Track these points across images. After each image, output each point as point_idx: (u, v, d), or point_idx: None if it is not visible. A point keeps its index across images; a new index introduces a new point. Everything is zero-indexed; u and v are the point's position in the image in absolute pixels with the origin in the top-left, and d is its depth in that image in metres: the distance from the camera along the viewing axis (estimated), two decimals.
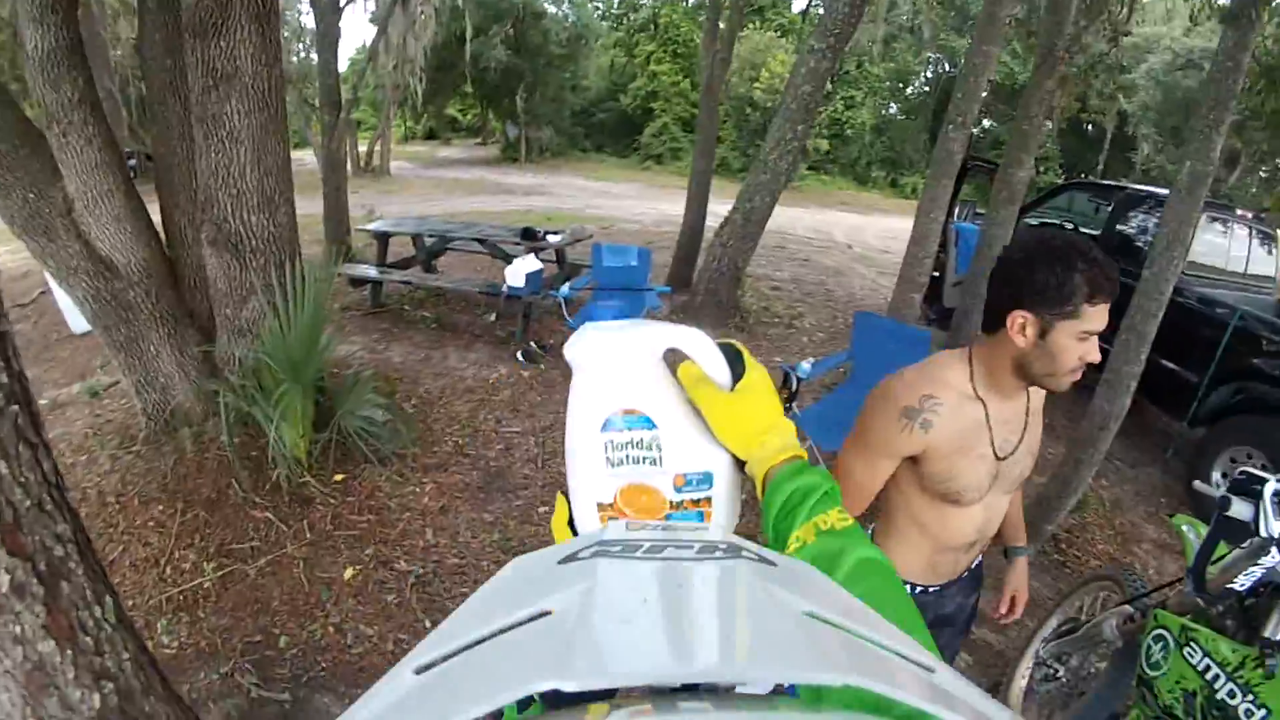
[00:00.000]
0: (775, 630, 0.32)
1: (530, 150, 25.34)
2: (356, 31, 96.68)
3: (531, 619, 0.33)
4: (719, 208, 6.64)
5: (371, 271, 6.10)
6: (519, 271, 5.11)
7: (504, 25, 22.64)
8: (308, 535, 3.08)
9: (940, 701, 0.27)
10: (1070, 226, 6.20)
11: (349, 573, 2.91)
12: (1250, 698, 1.27)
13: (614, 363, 0.74)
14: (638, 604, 0.34)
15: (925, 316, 6.34)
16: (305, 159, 17.42)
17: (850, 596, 0.42)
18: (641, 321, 0.76)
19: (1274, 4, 3.53)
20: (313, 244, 5.71)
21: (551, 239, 6.10)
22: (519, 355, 5.14)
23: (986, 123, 23.57)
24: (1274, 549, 1.20)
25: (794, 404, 3.42)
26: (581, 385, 0.76)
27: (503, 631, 0.32)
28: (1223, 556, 1.36)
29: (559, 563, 0.41)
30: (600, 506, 0.77)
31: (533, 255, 5.42)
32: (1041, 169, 22.07)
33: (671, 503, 0.75)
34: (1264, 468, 4.09)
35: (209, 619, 2.66)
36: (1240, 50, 3.06)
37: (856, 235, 13.87)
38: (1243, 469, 1.23)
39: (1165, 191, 5.00)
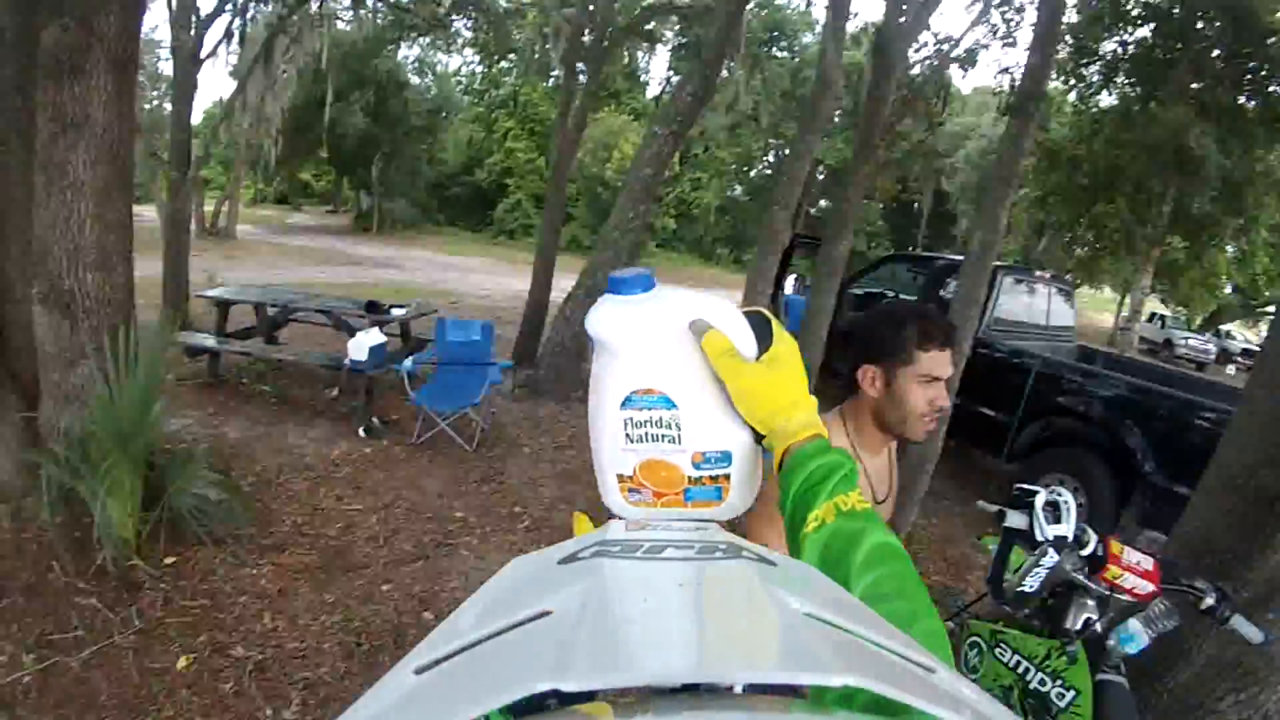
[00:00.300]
0: (775, 630, 0.32)
1: (383, 221, 25.02)
2: (214, 85, 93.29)
3: (532, 619, 0.32)
4: (567, 283, 6.78)
5: (210, 341, 5.73)
6: (362, 345, 4.96)
7: (366, 92, 22.60)
8: (137, 623, 2.81)
9: (940, 701, 0.27)
10: (891, 294, 6.83)
11: (182, 662, 2.67)
12: (1059, 682, 1.45)
13: (635, 338, 0.71)
14: (638, 604, 0.34)
15: None
16: (145, 215, 16.15)
17: (850, 596, 0.42)
18: (667, 289, 0.74)
19: (1050, 98, 4.12)
20: (148, 308, 5.31)
21: (396, 312, 6.01)
22: (361, 431, 4.96)
23: (823, 202, 25.58)
24: (1050, 550, 1.35)
25: None
26: (602, 362, 0.75)
27: (503, 631, 0.32)
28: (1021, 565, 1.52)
29: (559, 563, 0.41)
30: (620, 478, 0.78)
31: (376, 329, 5.31)
32: (873, 244, 24.35)
33: (690, 478, 0.75)
34: (1076, 491, 4.68)
35: (29, 718, 2.38)
36: (1023, 137, 3.55)
37: None
38: (1018, 484, 1.40)
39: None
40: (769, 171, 28.76)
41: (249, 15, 9.30)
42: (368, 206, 25.09)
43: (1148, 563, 1.41)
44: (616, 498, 0.80)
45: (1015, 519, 1.36)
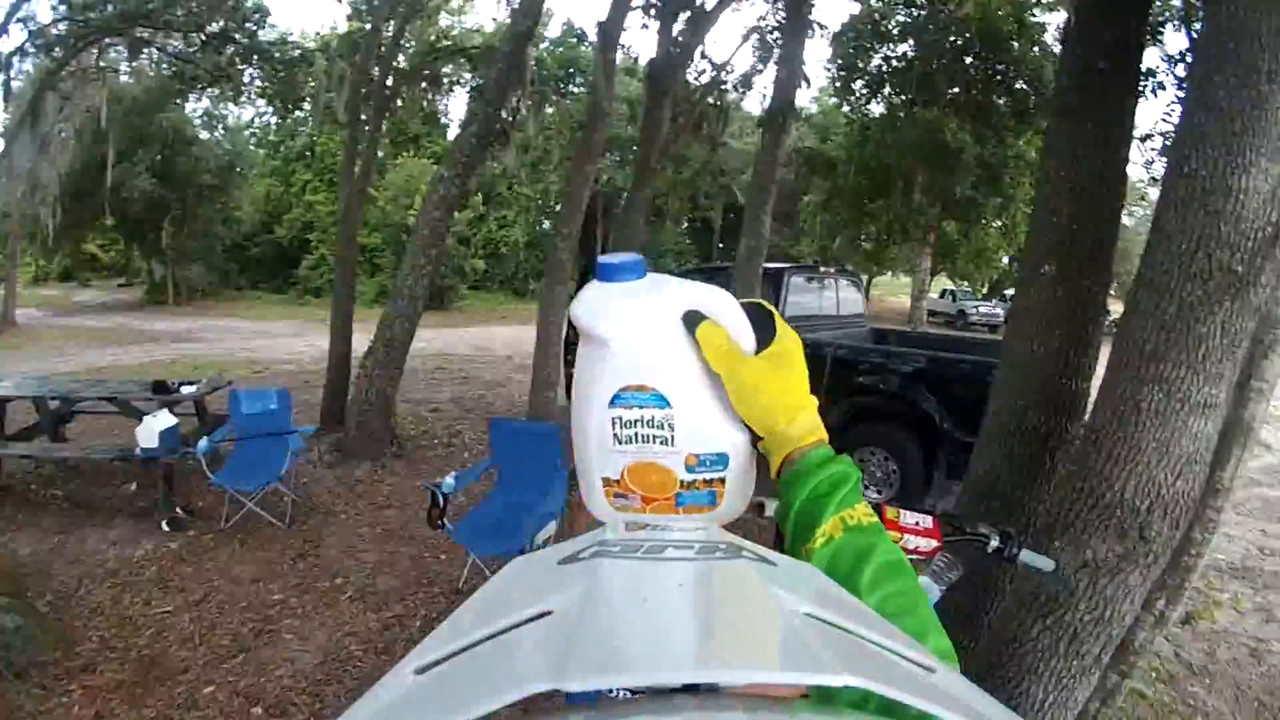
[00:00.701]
0: (775, 630, 0.32)
1: (179, 290, 23.15)
2: None
3: (532, 619, 0.32)
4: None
5: None
6: (151, 430, 4.55)
7: (150, 150, 20.72)
8: None
9: (940, 702, 0.27)
10: None
11: None
12: None
13: (625, 329, 0.65)
14: (638, 604, 0.34)
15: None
16: None
17: (850, 596, 0.41)
18: (662, 277, 0.67)
19: (799, 111, 4.52)
20: None
21: (186, 390, 5.54)
22: (164, 524, 4.53)
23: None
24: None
25: (445, 519, 3.49)
26: (589, 354, 0.67)
27: (503, 631, 0.32)
28: None
29: (559, 563, 0.40)
30: (606, 482, 0.71)
31: (166, 411, 4.87)
32: (681, 262, 25.36)
33: (683, 482, 0.69)
34: (887, 460, 5.21)
35: None
36: (776, 147, 3.86)
37: (516, 346, 14.08)
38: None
39: (775, 266, 6.16)
40: (585, 207, 29.36)
41: (11, 70, 8.36)
42: (160, 276, 22.95)
43: (926, 521, 1.44)
44: (601, 503, 0.73)
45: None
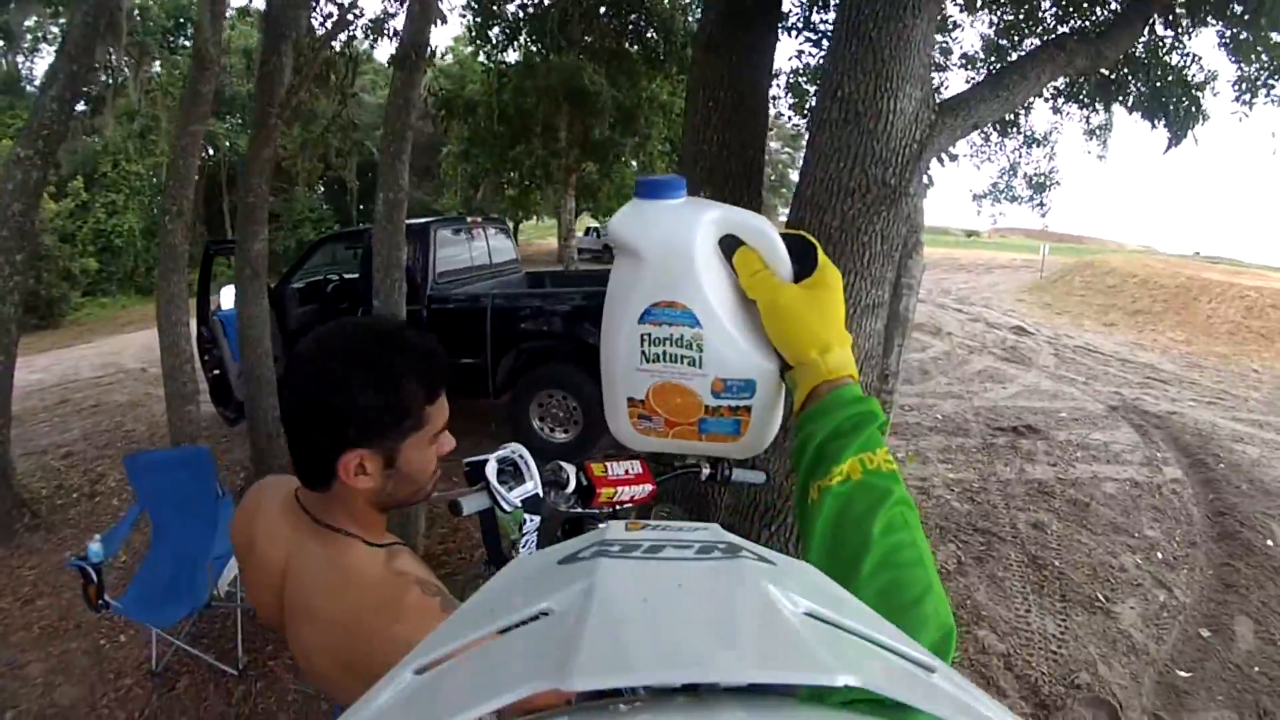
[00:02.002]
0: (775, 630, 0.31)
1: None
2: None
3: (531, 619, 0.32)
4: None
5: None
6: None
7: None
8: None
9: (940, 701, 0.27)
10: (336, 278, 6.73)
11: None
12: None
13: (661, 245, 0.65)
14: (637, 604, 0.33)
15: (225, 418, 6.03)
16: None
17: (850, 596, 0.40)
18: (700, 201, 0.67)
19: (432, 51, 4.13)
20: None
21: None
22: None
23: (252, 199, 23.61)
24: (526, 516, 1.23)
25: (105, 597, 2.85)
26: (623, 269, 0.69)
27: (503, 631, 0.32)
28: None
29: (559, 562, 0.40)
30: (631, 402, 0.72)
31: None
32: (321, 230, 23.14)
33: (707, 407, 0.70)
34: (566, 399, 5.29)
35: None
36: (409, 89, 3.51)
37: (148, 354, 11.89)
38: (466, 460, 1.18)
39: (420, 222, 5.80)
40: (195, 177, 25.14)
41: None
42: None
43: (636, 466, 1.37)
44: (625, 424, 0.74)
45: (473, 503, 1.16)
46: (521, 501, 1.17)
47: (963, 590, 3.67)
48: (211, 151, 23.16)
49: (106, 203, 21.98)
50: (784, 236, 0.69)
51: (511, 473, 1.19)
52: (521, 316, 5.52)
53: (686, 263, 0.66)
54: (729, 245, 0.69)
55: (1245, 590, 3.68)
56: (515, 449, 1.21)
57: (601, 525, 0.48)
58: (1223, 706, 2.92)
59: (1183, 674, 3.12)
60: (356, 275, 6.07)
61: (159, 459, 3.63)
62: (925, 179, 2.07)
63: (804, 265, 0.69)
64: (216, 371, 5.86)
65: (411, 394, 0.99)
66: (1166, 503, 4.65)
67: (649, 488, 1.37)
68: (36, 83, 19.76)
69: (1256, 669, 3.13)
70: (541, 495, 1.21)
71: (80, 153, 19.80)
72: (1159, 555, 4.04)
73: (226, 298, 5.91)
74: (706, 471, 1.49)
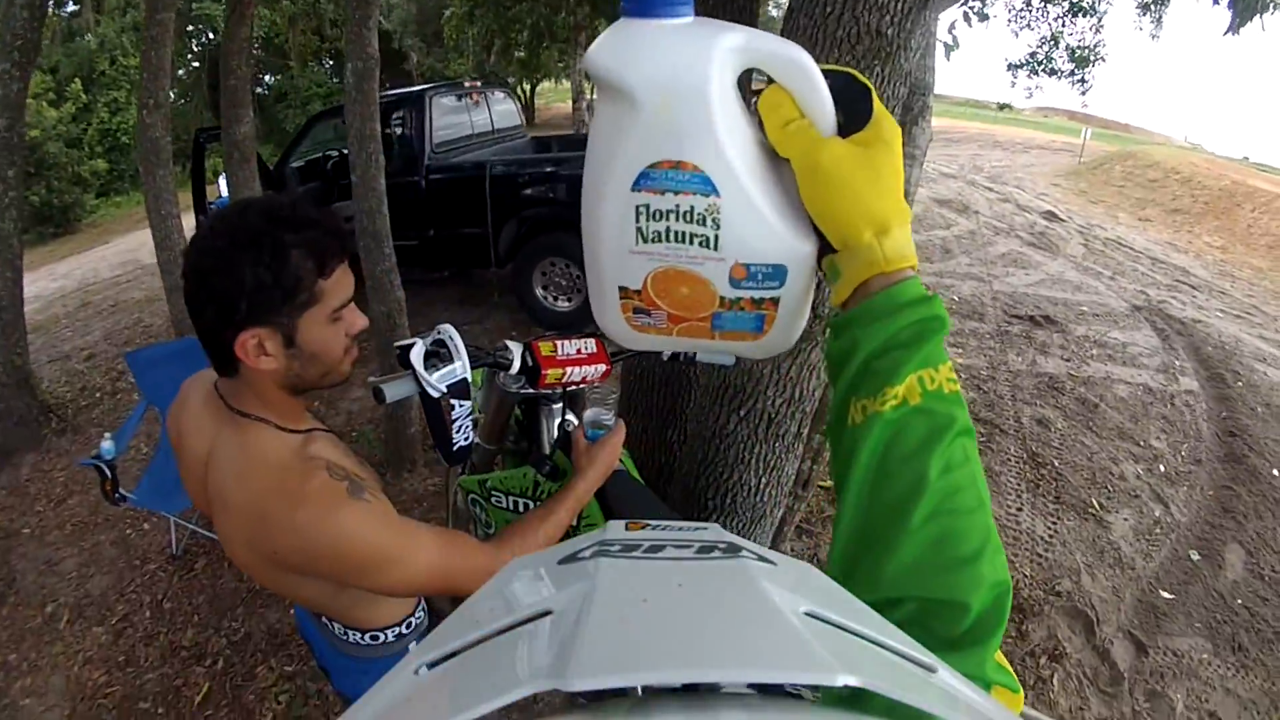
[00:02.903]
0: (775, 630, 0.31)
1: None
2: None
3: (532, 619, 0.32)
4: None
5: None
6: None
7: None
8: None
9: (941, 701, 0.27)
10: (335, 153, 6.53)
11: None
12: None
13: (661, 83, 0.47)
14: (637, 603, 0.33)
15: None
16: None
17: (850, 596, 0.38)
18: (713, 22, 0.48)
19: None
20: None
21: None
22: None
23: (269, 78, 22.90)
24: (456, 402, 1.15)
25: (120, 490, 2.99)
26: (608, 119, 0.50)
27: (503, 631, 0.32)
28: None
29: (559, 562, 0.41)
30: (624, 292, 0.57)
31: None
32: (333, 105, 22.15)
33: (724, 299, 0.55)
34: (568, 266, 5.10)
35: None
36: None
37: None
38: (396, 344, 1.11)
39: (416, 89, 5.63)
40: (196, 64, 24.01)
41: None
42: None
43: (589, 344, 1.28)
44: (616, 319, 0.60)
45: (398, 389, 1.09)
46: (447, 386, 1.07)
47: None
48: (211, 36, 22.20)
49: (108, 101, 20.83)
50: (825, 74, 0.51)
51: (444, 355, 1.09)
52: (523, 183, 5.23)
53: (698, 107, 0.49)
54: (750, 88, 0.51)
55: (1243, 518, 3.54)
56: (445, 330, 1.11)
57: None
58: (1199, 634, 2.85)
59: (1165, 595, 3.05)
60: None
61: (159, 353, 3.59)
62: (943, 38, 1.76)
63: (852, 115, 0.52)
64: None
65: (301, 268, 0.97)
66: (1177, 414, 4.46)
67: (602, 367, 1.27)
68: None
69: (1240, 601, 3.04)
70: (470, 379, 1.10)
71: (77, 55, 19.02)
72: (1161, 468, 3.89)
73: (225, 186, 5.74)
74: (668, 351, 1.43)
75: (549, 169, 5.32)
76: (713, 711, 0.27)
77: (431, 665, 0.31)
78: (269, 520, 0.97)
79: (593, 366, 1.25)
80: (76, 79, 19.29)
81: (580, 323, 5.23)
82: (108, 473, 2.97)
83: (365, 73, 3.14)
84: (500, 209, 5.19)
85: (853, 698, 0.31)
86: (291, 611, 2.75)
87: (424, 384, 1.05)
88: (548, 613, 0.32)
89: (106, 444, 3.01)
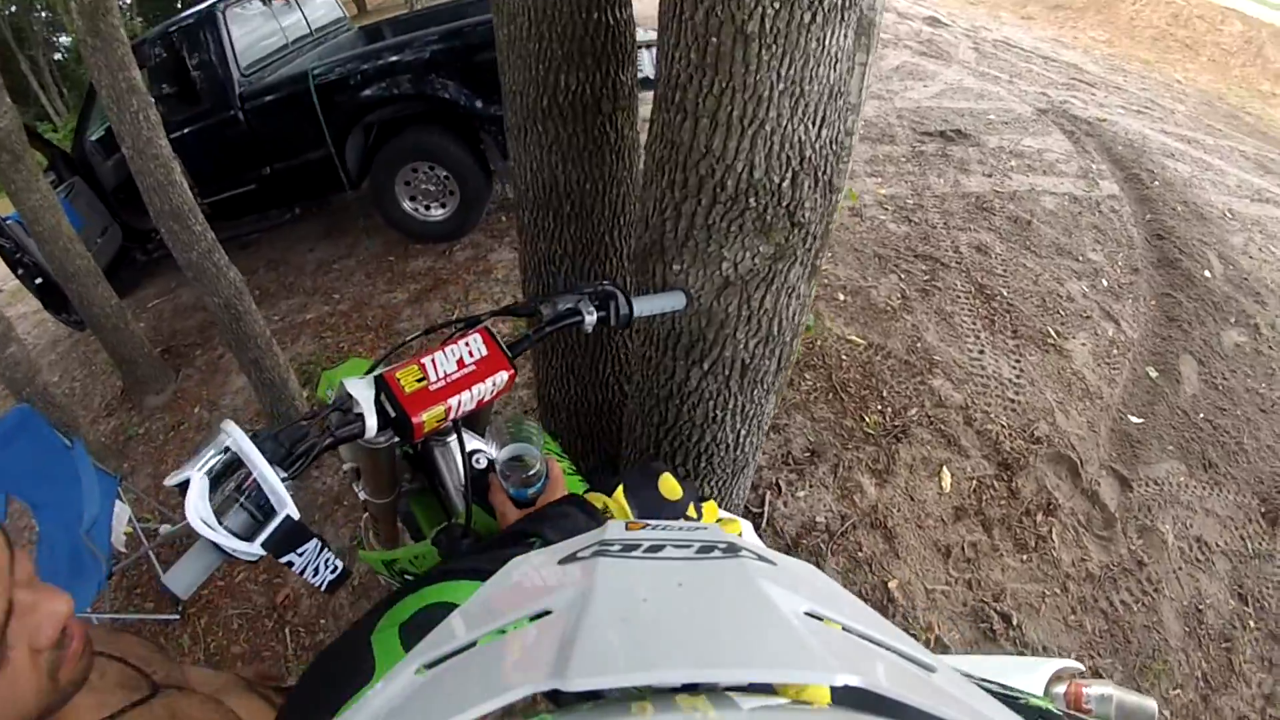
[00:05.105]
0: (775, 629, 0.31)
1: None
2: None
3: (531, 619, 0.32)
4: None
5: None
6: None
7: None
8: None
9: (940, 701, 0.27)
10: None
11: None
12: None
13: None
14: (636, 603, 0.32)
15: (72, 325, 5.00)
16: None
17: (851, 596, 0.39)
18: None
19: None
20: None
21: None
22: None
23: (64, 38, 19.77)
24: (292, 555, 0.74)
25: None
26: None
27: (503, 631, 0.32)
28: None
29: (559, 563, 0.40)
30: None
31: None
32: None
33: None
34: (433, 169, 4.37)
35: None
36: None
37: None
38: (168, 481, 0.71)
39: (202, 7, 4.51)
40: None
41: None
42: None
43: (474, 343, 0.89)
44: None
45: (191, 572, 0.69)
46: (264, 545, 0.68)
47: (911, 330, 3.37)
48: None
49: None
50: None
51: (243, 484, 0.69)
52: (357, 85, 4.22)
53: None
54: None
55: (1187, 325, 3.49)
56: (229, 433, 0.70)
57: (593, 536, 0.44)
58: (1173, 457, 2.83)
59: (1135, 420, 2.98)
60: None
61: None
62: None
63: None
64: (39, 280, 4.61)
65: None
66: (1106, 222, 4.32)
67: (503, 375, 0.89)
68: None
69: (1201, 415, 3.01)
70: (296, 516, 0.70)
71: None
72: (1104, 282, 3.76)
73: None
74: (591, 318, 1.06)
75: (386, 60, 4.20)
76: (714, 711, 0.26)
77: (431, 665, 0.31)
78: None
79: (488, 380, 0.87)
80: None
81: (460, 230, 4.62)
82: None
83: (95, 7, 2.24)
84: (337, 121, 4.33)
85: (852, 697, 0.30)
86: None
87: (229, 553, 0.68)
88: (547, 612, 0.32)
89: None
